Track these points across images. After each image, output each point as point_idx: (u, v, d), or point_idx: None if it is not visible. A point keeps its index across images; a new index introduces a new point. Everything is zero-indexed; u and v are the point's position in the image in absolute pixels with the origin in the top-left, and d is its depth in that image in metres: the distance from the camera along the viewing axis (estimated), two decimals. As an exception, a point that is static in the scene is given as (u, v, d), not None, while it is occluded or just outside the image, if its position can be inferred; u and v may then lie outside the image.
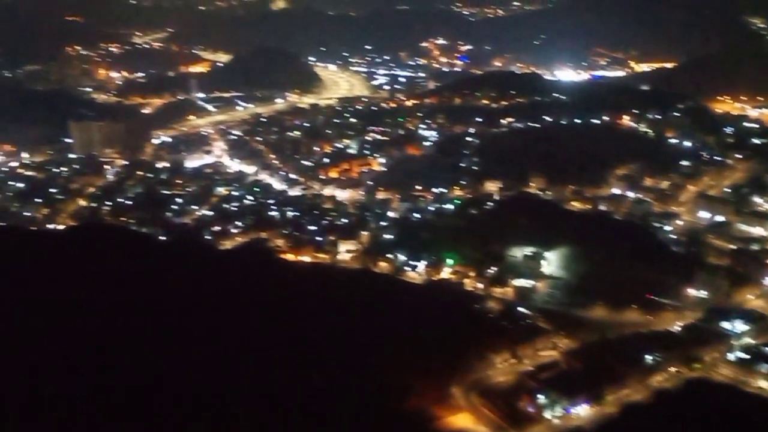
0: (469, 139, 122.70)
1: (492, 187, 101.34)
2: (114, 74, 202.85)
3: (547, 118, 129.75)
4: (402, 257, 79.45)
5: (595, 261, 73.02)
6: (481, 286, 73.84)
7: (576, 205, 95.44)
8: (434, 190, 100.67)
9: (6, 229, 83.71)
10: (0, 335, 46.74)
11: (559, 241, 77.78)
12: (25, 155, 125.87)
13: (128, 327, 52.00)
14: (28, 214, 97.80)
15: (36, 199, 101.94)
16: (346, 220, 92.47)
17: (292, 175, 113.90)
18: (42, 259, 61.39)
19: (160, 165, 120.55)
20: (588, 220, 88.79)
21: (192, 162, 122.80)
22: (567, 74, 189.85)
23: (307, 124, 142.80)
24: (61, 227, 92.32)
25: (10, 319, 49.54)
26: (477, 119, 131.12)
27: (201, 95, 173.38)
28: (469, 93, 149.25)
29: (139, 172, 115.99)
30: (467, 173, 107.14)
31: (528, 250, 77.56)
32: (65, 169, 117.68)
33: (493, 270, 75.47)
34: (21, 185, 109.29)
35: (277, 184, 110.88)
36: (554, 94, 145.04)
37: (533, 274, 74.50)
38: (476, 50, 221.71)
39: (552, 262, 76.04)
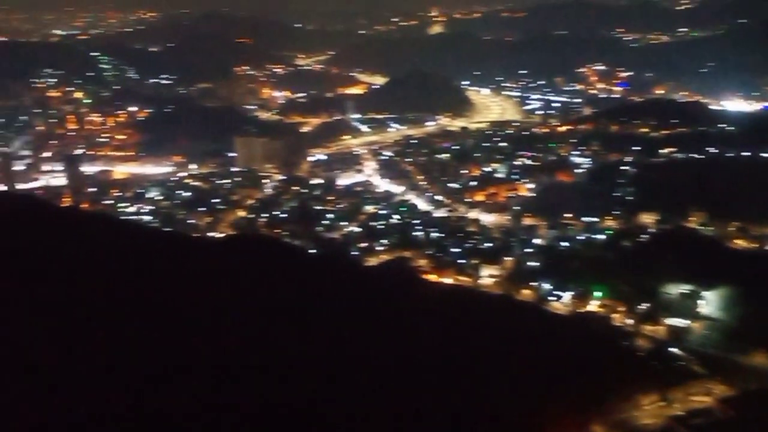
0: (624, 168, 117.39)
1: (647, 219, 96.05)
2: (277, 94, 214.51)
3: (712, 150, 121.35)
4: (546, 286, 77.04)
5: (759, 304, 67.29)
6: (630, 322, 69.96)
7: (740, 243, 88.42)
8: (584, 219, 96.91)
9: (171, 235, 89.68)
10: (159, 334, 49.64)
11: (719, 280, 72.28)
12: (193, 166, 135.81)
13: (277, 335, 53.71)
14: (192, 221, 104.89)
15: (200, 208, 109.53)
16: (491, 245, 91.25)
17: (438, 197, 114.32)
18: (202, 265, 64.75)
19: (314, 181, 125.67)
20: (752, 259, 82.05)
21: (344, 180, 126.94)
22: (736, 104, 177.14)
23: (457, 147, 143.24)
24: (220, 235, 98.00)
25: (172, 318, 52.40)
26: (634, 148, 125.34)
27: (356, 116, 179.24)
28: (627, 120, 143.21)
29: (294, 188, 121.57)
30: (621, 203, 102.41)
31: (684, 288, 72.62)
32: (228, 181, 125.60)
33: (644, 306, 71.37)
34: (188, 194, 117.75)
35: (424, 205, 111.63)
36: (720, 125, 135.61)
37: (689, 314, 69.60)
38: (636, 77, 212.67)
39: (710, 303, 70.79)
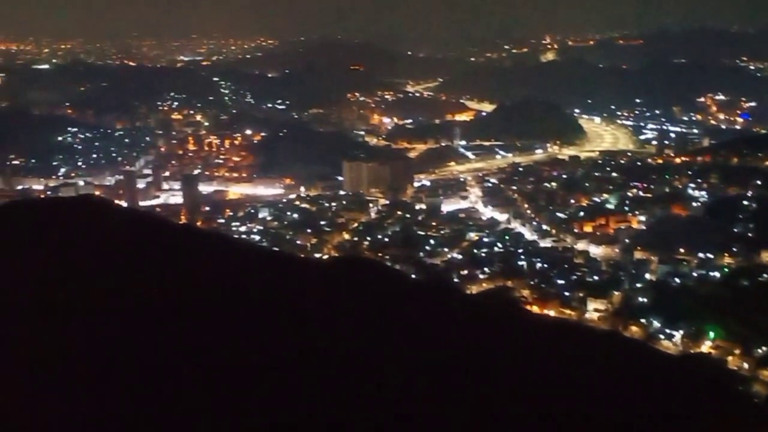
0: (745, 202, 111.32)
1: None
2: (386, 120, 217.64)
3: None
4: (656, 323, 73.83)
5: None
6: (746, 366, 65.86)
7: None
8: (699, 254, 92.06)
9: (279, 254, 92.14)
10: (258, 349, 50.86)
11: None
12: (302, 188, 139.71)
13: (377, 358, 53.77)
14: (299, 242, 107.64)
15: (307, 229, 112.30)
16: (598, 278, 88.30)
17: (544, 226, 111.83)
18: (307, 285, 65.95)
19: (418, 207, 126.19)
20: None
21: (448, 206, 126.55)
22: None
23: (565, 176, 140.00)
24: (325, 257, 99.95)
25: (278, 334, 53.51)
26: (756, 182, 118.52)
27: (463, 143, 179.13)
28: (749, 153, 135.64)
29: (398, 212, 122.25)
30: (740, 240, 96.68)
31: (808, 333, 67.89)
32: (335, 204, 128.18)
33: (763, 350, 67.08)
34: (296, 216, 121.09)
35: (529, 234, 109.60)
36: None
37: (812, 361, 64.93)
38: (761, 108, 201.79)
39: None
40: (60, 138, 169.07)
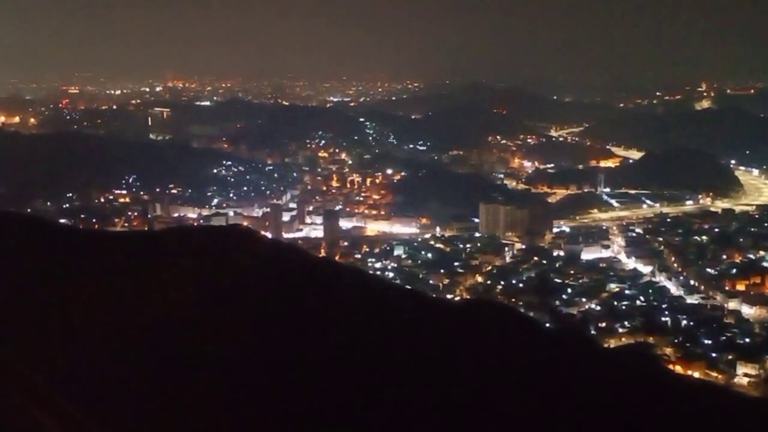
0: None
1: None
2: (527, 163, 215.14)
3: None
4: (816, 395, 67.47)
5: None
6: None
7: None
8: None
9: (411, 292, 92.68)
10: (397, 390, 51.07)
11: None
12: (438, 229, 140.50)
13: (506, 406, 52.68)
14: (432, 281, 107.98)
15: (441, 270, 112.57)
16: (749, 340, 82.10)
17: (692, 282, 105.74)
18: (438, 325, 65.83)
19: (556, 253, 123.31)
20: None
21: (587, 254, 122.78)
22: None
23: (717, 230, 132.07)
24: (457, 298, 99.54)
25: (406, 378, 53.69)
26: None
27: (607, 190, 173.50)
28: None
29: (535, 258, 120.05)
30: None
31: None
32: (469, 245, 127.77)
33: None
34: (430, 255, 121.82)
35: (674, 289, 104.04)
36: None
37: None
38: None
39: None
40: (215, 170, 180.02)
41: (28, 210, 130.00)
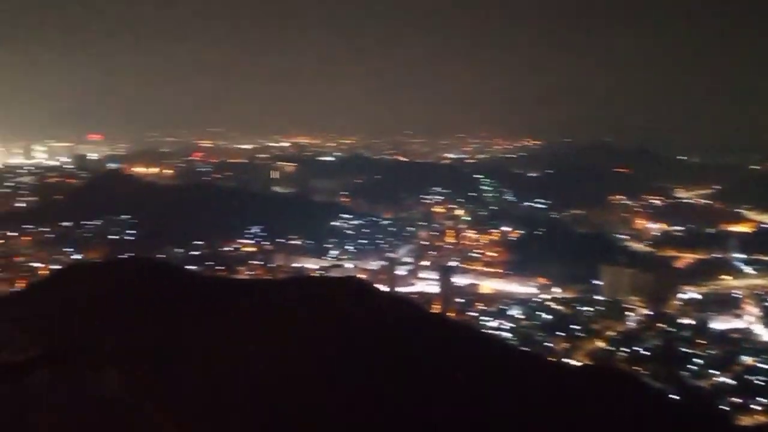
0: None
1: None
2: (651, 225, 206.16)
3: None
4: None
5: None
6: None
7: None
8: None
9: (527, 354, 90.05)
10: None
11: None
12: (556, 289, 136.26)
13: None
14: (549, 344, 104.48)
15: (558, 332, 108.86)
16: None
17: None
18: (556, 390, 63.52)
19: (683, 321, 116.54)
20: None
21: (717, 323, 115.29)
22: None
23: None
24: (576, 363, 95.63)
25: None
26: None
27: (739, 255, 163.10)
28: None
29: (660, 325, 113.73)
30: None
31: None
32: (590, 308, 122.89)
33: None
34: (548, 317, 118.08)
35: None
36: None
37: None
38: None
39: None
40: (334, 223, 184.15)
41: (161, 255, 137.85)
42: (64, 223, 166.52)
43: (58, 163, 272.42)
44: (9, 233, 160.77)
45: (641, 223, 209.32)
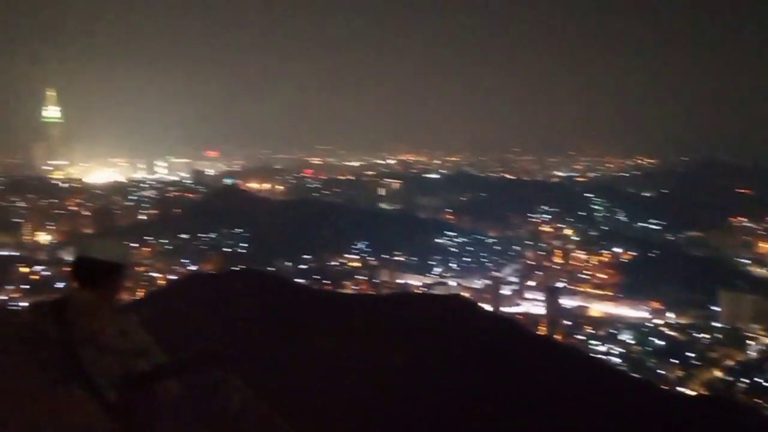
0: None
1: None
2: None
3: None
4: None
5: None
6: None
7: None
8: None
9: (639, 381, 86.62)
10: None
11: None
12: (670, 315, 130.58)
13: None
14: (662, 372, 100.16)
15: (672, 359, 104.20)
16: None
17: None
18: (672, 422, 60.85)
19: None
20: None
21: None
22: None
23: None
24: (691, 393, 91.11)
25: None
26: None
27: None
28: None
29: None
30: None
31: None
32: (707, 336, 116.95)
33: None
34: (661, 343, 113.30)
35: None
36: None
37: None
38: None
39: None
40: (438, 240, 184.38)
41: (271, 268, 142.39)
42: (182, 236, 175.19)
43: (177, 178, 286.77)
44: (131, 244, 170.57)
45: (765, 246, 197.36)
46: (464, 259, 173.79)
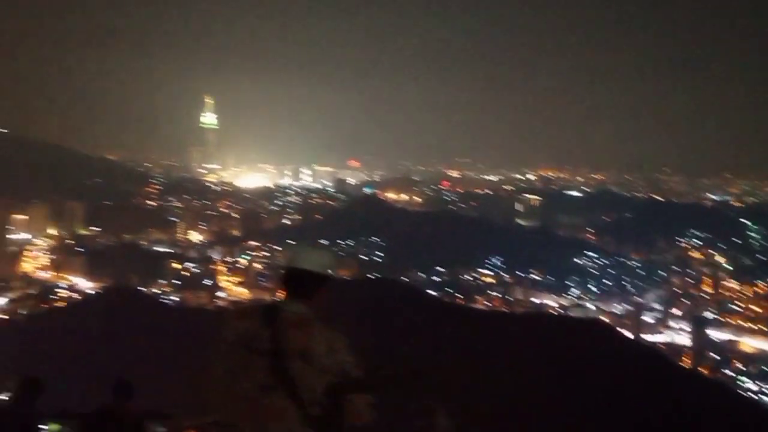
0: None
1: None
2: None
3: None
4: None
5: None
6: None
7: None
8: None
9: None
10: None
11: None
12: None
13: None
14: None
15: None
16: None
17: None
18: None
19: None
20: None
21: None
22: None
23: None
24: None
25: None
26: None
27: None
28: None
29: None
30: None
31: None
32: None
33: None
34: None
35: None
36: None
37: None
38: None
39: None
40: (577, 260, 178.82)
41: (405, 278, 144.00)
42: (322, 241, 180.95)
43: (321, 186, 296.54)
44: (276, 247, 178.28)
45: None
46: (605, 281, 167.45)
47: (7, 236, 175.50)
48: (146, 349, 79.72)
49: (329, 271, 5.16)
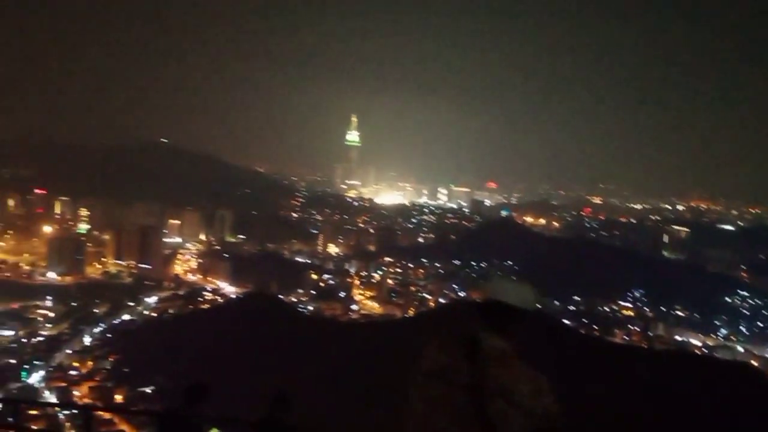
0: None
1: None
2: None
3: None
4: None
5: None
6: None
7: None
8: None
9: None
10: None
11: None
12: None
13: None
14: None
15: None
16: None
17: None
18: None
19: None
20: None
21: None
22: None
23: None
24: None
25: None
26: None
27: None
28: None
29: None
30: None
31: None
32: None
33: None
34: None
35: None
36: None
37: None
38: None
39: None
40: (728, 299, 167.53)
41: (538, 305, 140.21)
42: (455, 261, 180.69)
43: (456, 206, 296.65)
44: (409, 264, 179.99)
45: None
46: (757, 323, 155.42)
47: (163, 239, 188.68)
48: (283, 356, 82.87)
49: (530, 306, 4.76)
